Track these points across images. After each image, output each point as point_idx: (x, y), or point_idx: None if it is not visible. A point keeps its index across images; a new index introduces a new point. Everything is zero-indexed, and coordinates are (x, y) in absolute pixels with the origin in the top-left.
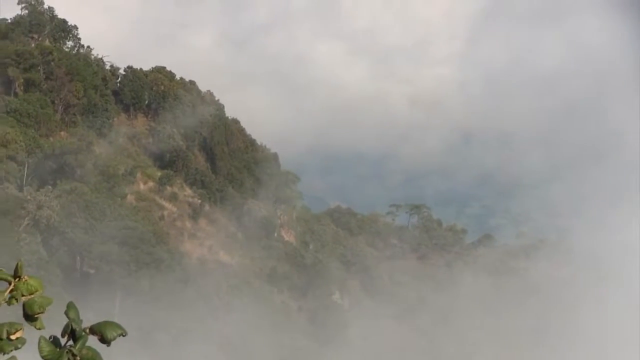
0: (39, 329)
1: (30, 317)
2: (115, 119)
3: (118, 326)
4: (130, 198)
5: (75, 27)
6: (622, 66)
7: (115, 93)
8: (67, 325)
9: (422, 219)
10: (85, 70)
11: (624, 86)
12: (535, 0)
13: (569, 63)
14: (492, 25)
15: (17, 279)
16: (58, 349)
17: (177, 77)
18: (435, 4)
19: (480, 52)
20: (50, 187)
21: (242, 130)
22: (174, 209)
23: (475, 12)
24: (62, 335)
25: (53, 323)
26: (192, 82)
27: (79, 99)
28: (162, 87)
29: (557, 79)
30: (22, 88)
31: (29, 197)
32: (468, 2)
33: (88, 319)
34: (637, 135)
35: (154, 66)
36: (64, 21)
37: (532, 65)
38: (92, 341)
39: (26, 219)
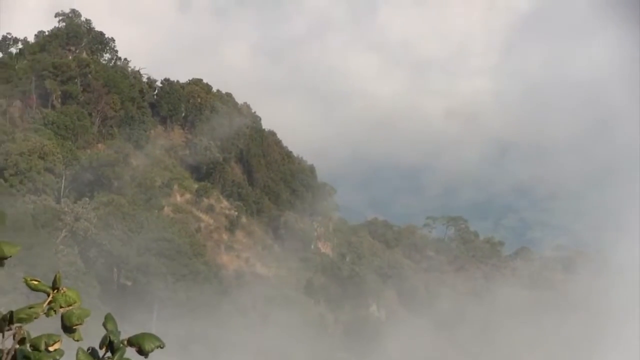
0: (77, 340)
1: (68, 328)
2: (152, 131)
3: (156, 338)
4: (167, 210)
5: (112, 40)
6: None
7: (152, 105)
8: (105, 337)
9: (459, 231)
10: (123, 82)
11: None
12: (572, 12)
13: (605, 74)
14: (528, 36)
15: (55, 291)
16: (95, 359)
17: (214, 89)
18: (471, 16)
19: (517, 64)
20: (87, 199)
21: (278, 142)
22: (211, 221)
23: (512, 24)
24: (100, 347)
25: (90, 335)
26: (228, 94)
27: (116, 111)
28: (199, 99)
29: (594, 90)
30: (59, 100)
31: (66, 209)
32: (504, 14)
33: (125, 330)
34: None
35: (190, 78)
36: (101, 34)
37: (568, 76)
38: (130, 353)
39: (63, 230)
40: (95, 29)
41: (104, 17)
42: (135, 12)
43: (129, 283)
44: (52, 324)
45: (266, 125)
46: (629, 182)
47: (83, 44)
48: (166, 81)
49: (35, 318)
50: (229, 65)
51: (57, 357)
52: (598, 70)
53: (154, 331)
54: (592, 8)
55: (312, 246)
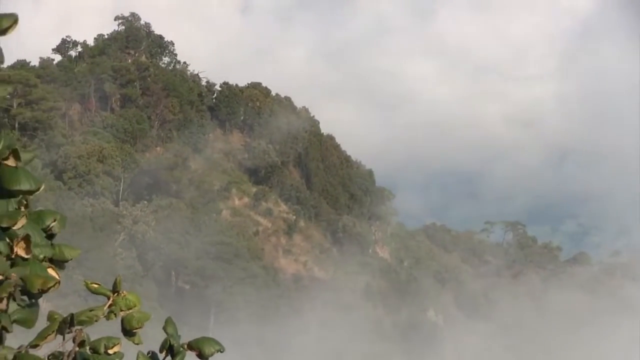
0: (137, 343)
1: (128, 332)
2: (210, 134)
3: (216, 342)
4: (225, 214)
5: (172, 43)
6: None
7: (211, 109)
8: (165, 341)
9: (517, 236)
10: (182, 86)
11: None
12: (631, 16)
13: None
14: (588, 41)
15: (115, 294)
16: None
17: (273, 92)
18: (529, 21)
19: (577, 69)
20: (146, 202)
21: (337, 146)
22: (269, 225)
23: (572, 29)
24: (160, 351)
25: (149, 338)
26: (287, 98)
27: (175, 114)
28: (258, 103)
29: None
30: (118, 104)
31: (124, 212)
32: (563, 18)
33: (183, 334)
34: None
35: (249, 82)
36: (161, 37)
37: (629, 82)
38: (190, 357)
39: (122, 234)
40: (155, 32)
41: (164, 20)
42: (197, 15)
43: (187, 286)
44: (111, 327)
45: (325, 129)
46: None
47: (142, 47)
48: (225, 85)
49: (95, 321)
50: (288, 69)
51: (117, 359)
52: None
53: (211, 335)
54: None
55: (370, 250)
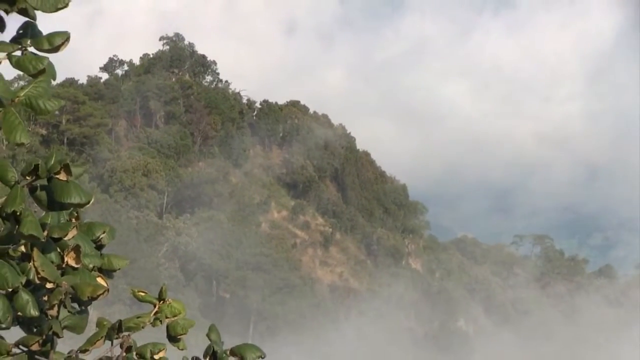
0: (182, 349)
1: (173, 338)
2: (250, 150)
3: (257, 349)
4: (264, 226)
5: (214, 62)
6: None
7: (251, 125)
8: (209, 347)
9: (545, 249)
10: (223, 103)
11: None
12: None
13: None
14: (617, 61)
15: (161, 302)
16: None
17: (311, 110)
18: (560, 42)
19: (606, 89)
20: (188, 215)
21: (372, 162)
22: (306, 237)
23: (600, 49)
24: (204, 357)
25: (192, 344)
26: (324, 116)
27: (216, 131)
28: (296, 120)
29: None
30: (162, 120)
31: (168, 224)
32: (593, 39)
33: (224, 341)
34: None
35: (289, 100)
36: (204, 56)
37: None
38: None
39: (165, 245)
40: (198, 52)
41: (209, 40)
42: (242, 35)
43: (228, 295)
44: (156, 334)
45: (360, 145)
46: None
47: (186, 67)
48: (265, 102)
49: (142, 327)
50: (326, 87)
51: None
52: None
53: (250, 342)
54: None
55: (403, 262)
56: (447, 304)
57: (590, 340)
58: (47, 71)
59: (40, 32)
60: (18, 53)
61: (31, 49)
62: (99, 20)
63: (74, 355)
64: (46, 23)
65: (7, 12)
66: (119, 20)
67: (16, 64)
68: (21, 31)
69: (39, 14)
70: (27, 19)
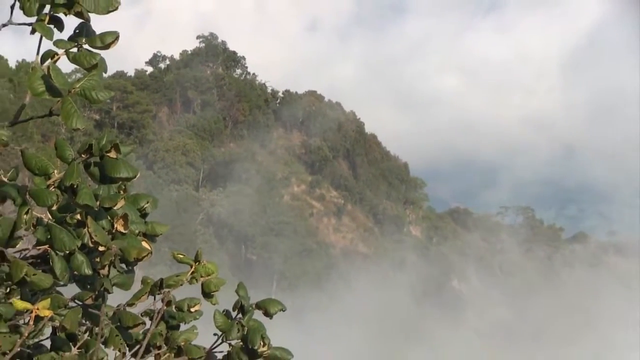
0: (214, 304)
1: (207, 294)
2: (274, 133)
3: (279, 303)
4: (285, 198)
5: (243, 58)
6: None
7: (275, 112)
8: (237, 302)
9: (527, 219)
10: (251, 93)
11: None
12: (631, 31)
13: None
14: (593, 55)
15: (197, 263)
16: (230, 321)
17: (326, 99)
18: (544, 40)
19: (584, 81)
20: (221, 188)
21: (378, 144)
22: (322, 208)
23: (578, 45)
24: (233, 310)
25: (223, 300)
26: (337, 103)
27: (245, 116)
28: (314, 107)
29: None
30: (199, 107)
31: (203, 196)
32: (572, 37)
33: (250, 296)
34: None
35: (307, 90)
36: (234, 52)
37: (626, 91)
38: (257, 315)
39: (201, 214)
40: (230, 49)
41: (240, 37)
42: (268, 33)
43: (254, 257)
44: (192, 290)
45: (368, 129)
46: None
47: (219, 61)
48: (287, 92)
49: (180, 285)
50: (339, 79)
51: (197, 317)
52: None
53: (273, 298)
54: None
55: (405, 230)
56: (442, 265)
57: (566, 297)
58: (100, 65)
59: (93, 32)
60: (74, 50)
61: (86, 47)
62: (145, 20)
63: (122, 308)
64: (99, 24)
65: (65, 15)
66: (163, 20)
67: (73, 59)
68: (77, 31)
69: (92, 15)
70: (82, 20)
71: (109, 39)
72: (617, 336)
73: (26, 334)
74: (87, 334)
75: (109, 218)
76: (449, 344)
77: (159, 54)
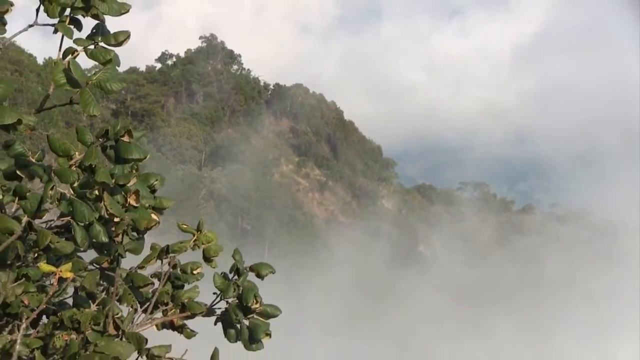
0: (214, 267)
1: (207, 259)
2: (266, 120)
3: (269, 266)
4: (276, 176)
5: (239, 55)
6: None
7: (267, 102)
8: (233, 265)
9: (482, 193)
10: (246, 86)
11: None
12: (576, 28)
13: (603, 74)
14: (542, 54)
15: (199, 232)
16: (227, 282)
17: (311, 90)
18: (500, 41)
19: (534, 74)
20: (220, 168)
21: (356, 129)
22: (307, 184)
23: (529, 45)
24: (230, 272)
25: (222, 264)
26: (321, 95)
27: (241, 106)
28: (300, 98)
29: (595, 89)
30: (201, 98)
31: (205, 175)
32: (523, 38)
33: (245, 261)
34: None
35: (294, 83)
36: (231, 51)
37: (570, 84)
38: (251, 277)
39: (203, 190)
40: (228, 48)
41: (236, 38)
42: (262, 33)
43: (249, 227)
44: (194, 255)
45: (347, 116)
46: (615, 164)
47: (218, 59)
48: (277, 85)
49: (184, 251)
50: (322, 73)
51: (199, 278)
52: (598, 72)
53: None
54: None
55: (378, 203)
56: (410, 233)
57: (516, 258)
58: (113, 61)
59: (108, 31)
60: (92, 47)
61: (101, 44)
62: (156, 23)
63: (133, 271)
64: (113, 24)
65: (83, 16)
66: (170, 23)
67: (90, 55)
68: (94, 30)
69: (107, 17)
70: (98, 21)
71: (122, 38)
72: (558, 292)
73: (51, 293)
74: (104, 292)
75: (123, 193)
76: (416, 299)
77: (166, 52)
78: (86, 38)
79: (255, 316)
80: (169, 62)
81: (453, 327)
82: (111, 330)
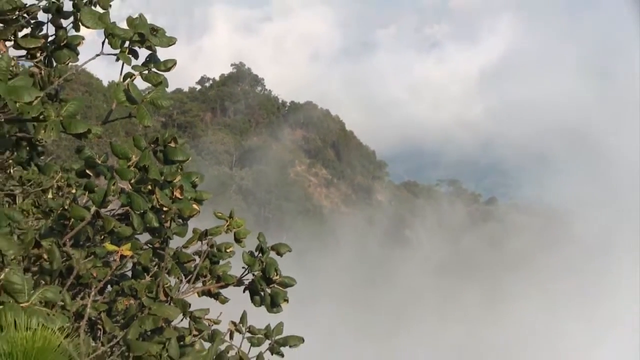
0: (242, 247)
1: (237, 240)
2: (284, 130)
3: (287, 246)
4: (291, 175)
5: (262, 79)
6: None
7: (284, 116)
8: (258, 245)
9: (456, 189)
10: (268, 103)
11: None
12: (529, 59)
13: (561, 92)
14: (505, 75)
15: (231, 219)
16: (253, 258)
17: (319, 106)
18: (468, 67)
19: (499, 92)
20: (247, 168)
21: (355, 137)
22: (316, 181)
23: (492, 66)
24: (256, 250)
25: (248, 244)
26: (327, 110)
27: (263, 119)
28: (310, 113)
29: (542, 112)
30: (232, 113)
31: (235, 174)
32: (488, 63)
33: (268, 242)
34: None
35: (305, 100)
36: (256, 75)
37: (528, 101)
38: (272, 255)
39: (233, 186)
40: (253, 73)
41: (260, 64)
42: (281, 60)
43: (270, 216)
44: (227, 237)
45: (348, 127)
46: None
47: (246, 81)
48: (292, 102)
49: (219, 234)
50: (328, 93)
51: (231, 256)
52: (547, 91)
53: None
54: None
55: (373, 196)
56: (398, 221)
57: (484, 242)
58: (163, 83)
59: (158, 59)
60: (146, 72)
61: (153, 70)
62: (197, 53)
63: (179, 250)
64: (163, 54)
65: (139, 47)
66: (208, 53)
67: (144, 78)
68: (147, 59)
69: (158, 48)
70: (150, 51)
71: (170, 64)
72: (518, 267)
73: (114, 267)
74: (156, 267)
75: (170, 188)
76: (404, 274)
77: (205, 77)
78: (141, 65)
79: (275, 286)
80: (207, 84)
81: (434, 296)
82: (162, 296)
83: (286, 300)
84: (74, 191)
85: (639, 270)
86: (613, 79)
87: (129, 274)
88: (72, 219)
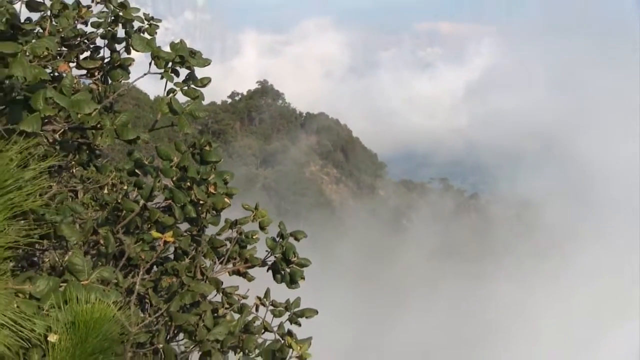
0: (266, 233)
1: (262, 228)
2: (301, 137)
3: (303, 232)
4: (307, 174)
5: (283, 93)
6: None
7: (301, 125)
8: (279, 232)
9: (444, 186)
10: (287, 113)
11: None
12: (508, 75)
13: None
14: (485, 89)
15: (256, 210)
16: (275, 243)
17: (330, 116)
18: (451, 86)
19: (481, 104)
20: (270, 168)
21: (360, 143)
22: (328, 179)
23: (476, 83)
24: (277, 237)
25: (271, 231)
26: (337, 119)
27: (283, 127)
28: (323, 122)
29: (517, 121)
30: (258, 122)
31: (260, 173)
32: (471, 79)
33: (287, 230)
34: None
35: (319, 111)
36: (278, 90)
37: (506, 111)
38: (290, 240)
39: (258, 184)
40: (274, 88)
41: (282, 81)
42: (299, 77)
43: (289, 208)
44: (253, 226)
45: (355, 134)
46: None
47: (269, 95)
48: (307, 113)
49: (247, 223)
50: (338, 104)
51: (256, 241)
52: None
53: None
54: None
55: (375, 192)
56: (396, 212)
57: (468, 230)
58: (200, 97)
59: (196, 77)
60: (185, 87)
61: (192, 86)
62: (228, 72)
63: (213, 236)
64: (200, 72)
65: (180, 67)
66: (238, 72)
67: (184, 93)
68: (187, 77)
69: (196, 68)
70: (189, 70)
71: (205, 81)
72: (497, 249)
73: (159, 251)
74: (194, 251)
75: (206, 184)
76: (401, 258)
77: (235, 92)
78: (182, 82)
79: (294, 266)
80: (237, 98)
81: (427, 274)
82: (199, 275)
83: (303, 278)
84: (125, 187)
85: (600, 254)
86: (578, 91)
87: (172, 256)
88: (124, 211)
